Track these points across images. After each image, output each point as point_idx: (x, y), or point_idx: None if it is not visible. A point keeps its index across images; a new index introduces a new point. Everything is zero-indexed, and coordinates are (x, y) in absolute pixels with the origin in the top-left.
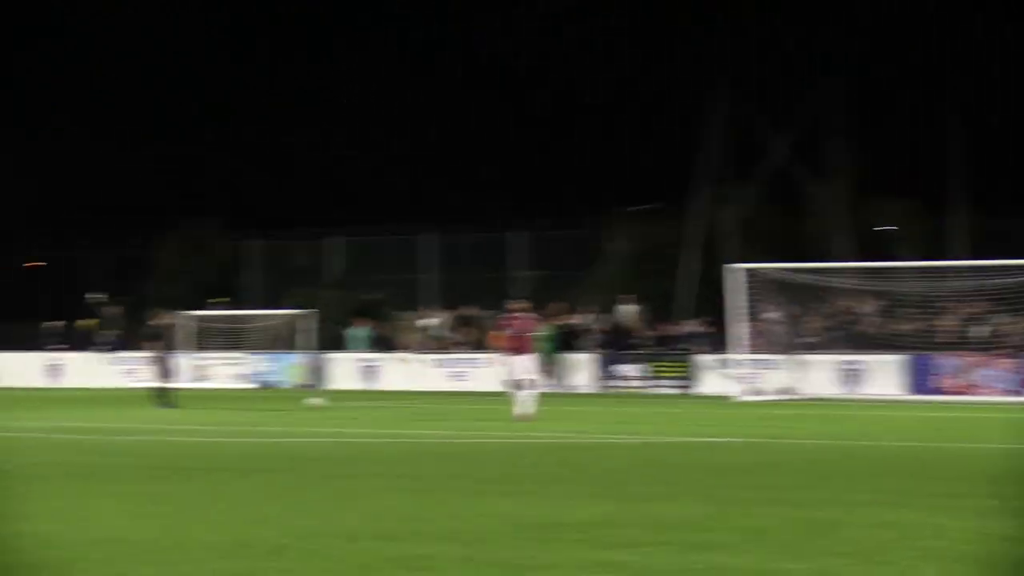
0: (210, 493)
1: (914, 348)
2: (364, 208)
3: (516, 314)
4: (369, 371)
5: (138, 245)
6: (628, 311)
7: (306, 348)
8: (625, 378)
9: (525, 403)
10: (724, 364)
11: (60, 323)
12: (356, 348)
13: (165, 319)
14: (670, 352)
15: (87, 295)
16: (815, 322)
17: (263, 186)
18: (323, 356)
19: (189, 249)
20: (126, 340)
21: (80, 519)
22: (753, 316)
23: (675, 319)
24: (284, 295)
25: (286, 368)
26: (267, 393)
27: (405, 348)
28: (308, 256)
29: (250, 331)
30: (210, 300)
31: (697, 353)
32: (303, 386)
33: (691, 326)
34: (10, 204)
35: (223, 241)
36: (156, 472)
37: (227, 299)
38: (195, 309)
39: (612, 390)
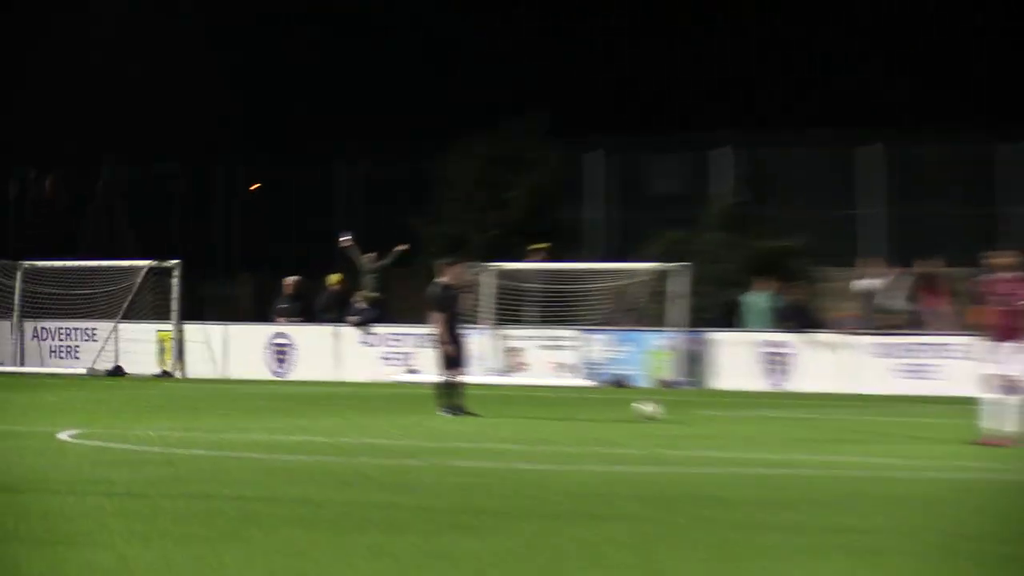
0: (530, 550)
1: None
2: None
3: (1002, 274)
4: (774, 361)
5: (414, 160)
6: None
7: (677, 324)
8: None
9: (1012, 416)
10: None
11: (291, 280)
12: (754, 323)
13: (459, 274)
14: None
15: (340, 237)
16: None
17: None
18: (702, 336)
19: (490, 166)
20: (385, 308)
21: None
22: None
23: None
24: (636, 238)
25: (644, 355)
26: (604, 393)
27: (832, 324)
28: (673, 177)
29: (584, 295)
30: (531, 247)
31: None
32: (668, 383)
33: None
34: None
35: (543, 151)
36: (453, 518)
37: (547, 245)
38: (500, 260)
39: None
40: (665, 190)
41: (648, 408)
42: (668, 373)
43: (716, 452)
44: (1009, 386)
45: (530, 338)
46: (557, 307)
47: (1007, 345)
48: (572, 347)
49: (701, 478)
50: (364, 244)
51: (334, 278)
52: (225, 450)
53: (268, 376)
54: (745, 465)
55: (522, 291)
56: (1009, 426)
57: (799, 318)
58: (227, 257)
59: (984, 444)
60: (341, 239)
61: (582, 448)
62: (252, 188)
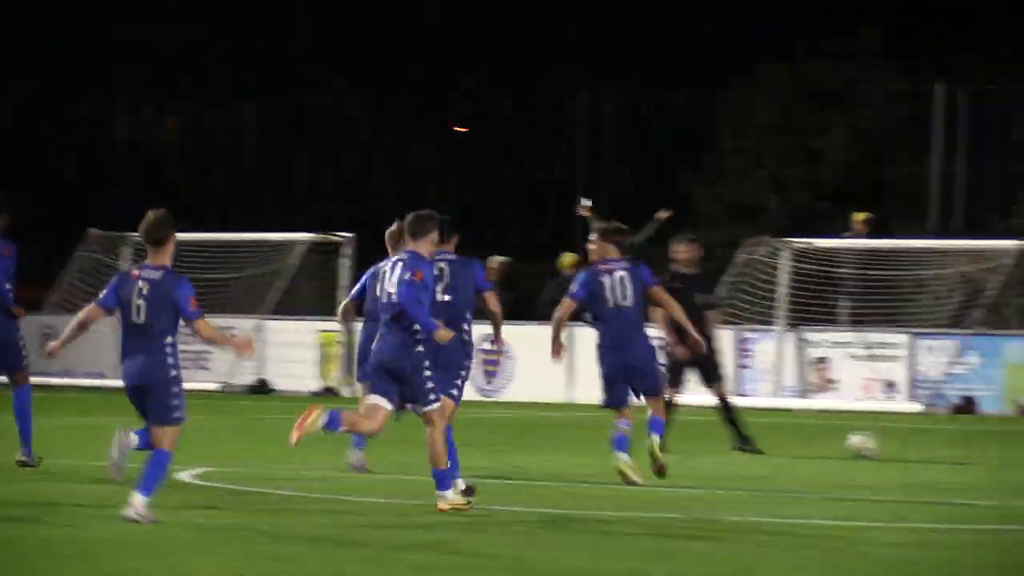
0: None
1: None
2: None
3: None
4: None
5: (687, 95)
6: None
7: None
8: None
9: None
10: None
11: (498, 261)
12: None
13: (687, 255)
14: None
15: (579, 202)
16: None
17: None
18: None
19: (796, 103)
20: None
21: None
22: None
23: None
24: (1000, 203)
25: (999, 370)
26: (941, 421)
27: None
28: None
29: (921, 285)
30: (858, 216)
31: None
32: None
33: None
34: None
35: (872, 83)
36: None
37: (869, 214)
38: (803, 234)
39: None
40: None
41: (857, 441)
42: None
43: None
44: None
45: (840, 344)
46: (881, 302)
47: None
48: (899, 358)
49: None
50: (611, 211)
51: (568, 259)
52: (408, 497)
53: (471, 395)
54: None
55: (833, 279)
56: None
57: None
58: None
59: None
60: (579, 205)
61: (913, 497)
62: (457, 129)
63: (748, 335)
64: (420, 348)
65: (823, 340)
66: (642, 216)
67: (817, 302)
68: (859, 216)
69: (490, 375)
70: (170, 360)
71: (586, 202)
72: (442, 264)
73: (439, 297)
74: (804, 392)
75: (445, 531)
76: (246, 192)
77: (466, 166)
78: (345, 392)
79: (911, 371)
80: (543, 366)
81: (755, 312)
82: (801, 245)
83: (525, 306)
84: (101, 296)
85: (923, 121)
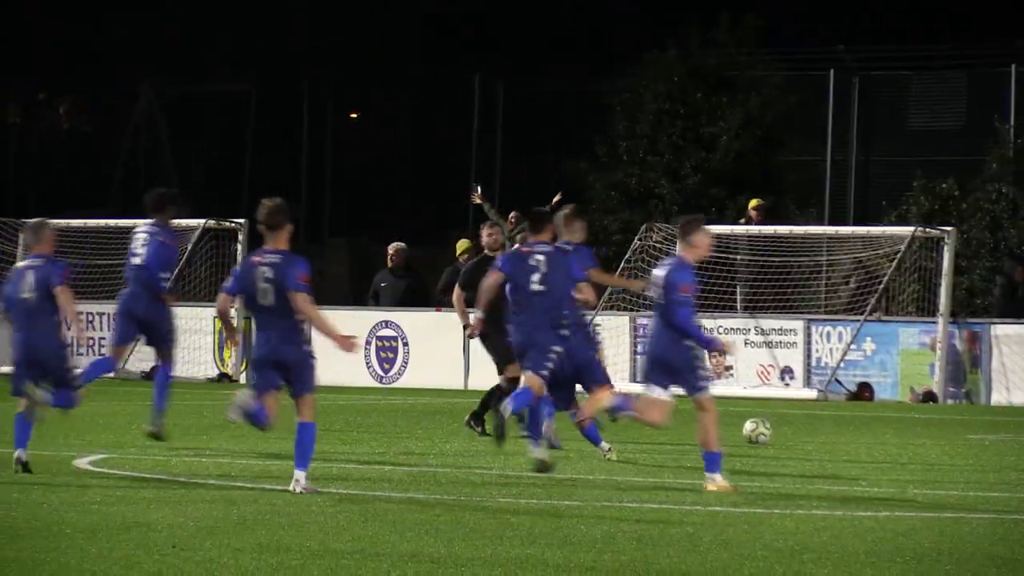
0: None
1: None
2: None
3: None
4: None
5: (577, 81)
6: None
7: (942, 314)
8: None
9: None
10: None
11: (396, 247)
12: None
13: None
14: None
15: (472, 188)
16: None
17: None
18: (978, 331)
19: (689, 86)
20: None
21: None
22: None
23: None
24: (892, 191)
25: (894, 357)
26: (836, 408)
27: None
28: (947, 104)
29: (815, 272)
30: (752, 203)
31: None
32: (927, 396)
33: None
34: None
35: (763, 67)
36: None
37: (763, 201)
38: None
39: None
40: (934, 122)
41: (749, 427)
42: (928, 382)
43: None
44: None
45: (736, 331)
46: (775, 289)
47: None
48: (793, 344)
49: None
50: (503, 199)
51: (462, 244)
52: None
53: (369, 382)
54: None
55: (726, 266)
56: None
57: None
58: (314, 216)
59: None
60: (472, 191)
61: (812, 486)
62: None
63: (643, 321)
64: (688, 341)
65: (719, 327)
66: (535, 202)
67: (713, 289)
68: (753, 203)
69: (385, 362)
70: (302, 336)
71: (477, 188)
72: (540, 255)
73: (536, 288)
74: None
75: (344, 518)
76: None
77: (366, 153)
78: (243, 379)
79: (807, 358)
80: (439, 352)
81: (650, 299)
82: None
83: (421, 292)
84: (227, 284)
85: (817, 108)
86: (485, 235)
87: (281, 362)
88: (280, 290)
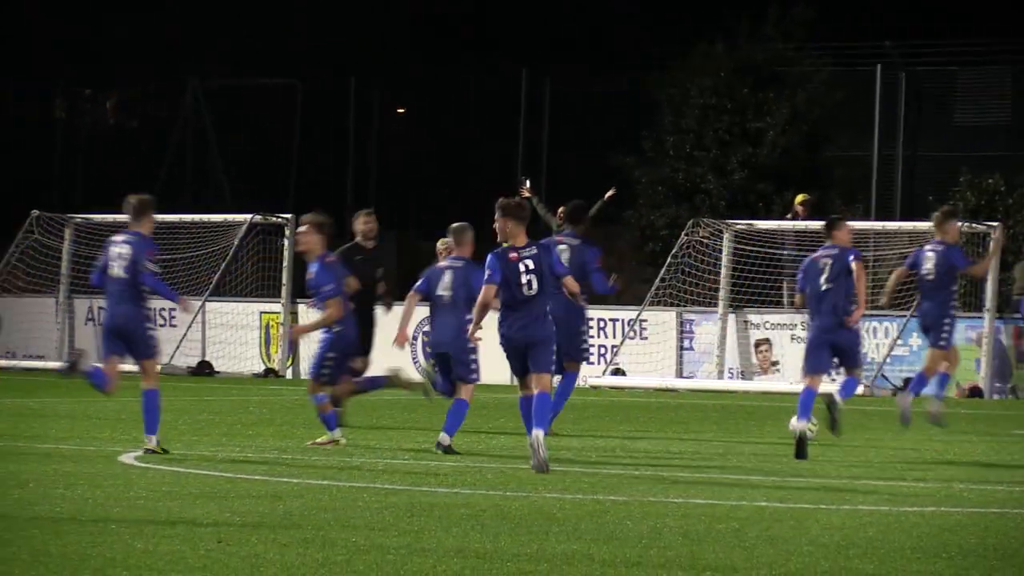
0: None
1: None
2: None
3: None
4: None
5: (626, 75)
6: None
7: (988, 309)
8: None
9: None
10: None
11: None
12: None
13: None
14: None
15: (520, 183)
16: None
17: None
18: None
19: (736, 81)
20: None
21: None
22: None
23: None
24: (942, 186)
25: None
26: (885, 403)
27: None
28: (994, 98)
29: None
30: (798, 198)
31: None
32: (973, 391)
33: None
34: None
35: (813, 62)
36: None
37: (810, 197)
38: (742, 216)
39: None
40: (980, 118)
41: (799, 425)
42: (974, 377)
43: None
44: None
45: (783, 327)
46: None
47: None
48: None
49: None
50: (551, 193)
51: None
52: (352, 480)
53: (416, 377)
54: None
55: (774, 261)
56: None
57: None
58: (359, 208)
59: None
60: (520, 185)
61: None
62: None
63: (690, 316)
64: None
65: (765, 322)
66: (585, 197)
67: (759, 284)
68: (799, 198)
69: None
70: (551, 319)
71: (525, 183)
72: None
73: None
74: (747, 374)
75: (390, 513)
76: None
77: (412, 147)
78: (289, 375)
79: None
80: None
81: (697, 294)
82: (742, 226)
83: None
84: (490, 275)
85: (863, 103)
86: (361, 223)
87: (531, 343)
88: (542, 280)
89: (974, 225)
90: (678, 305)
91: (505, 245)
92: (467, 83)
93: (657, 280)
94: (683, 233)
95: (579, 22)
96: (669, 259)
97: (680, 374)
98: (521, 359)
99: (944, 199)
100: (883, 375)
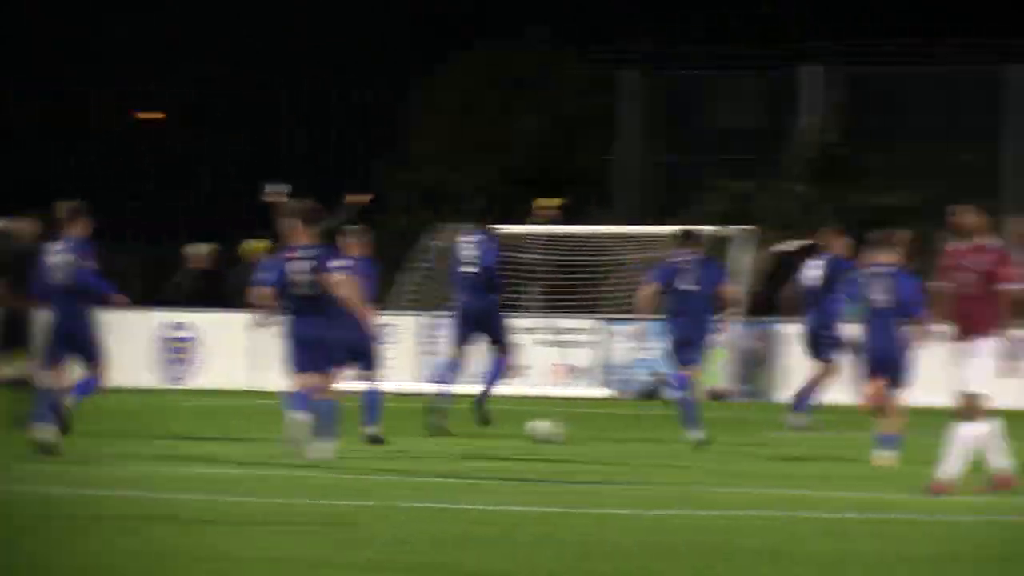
0: None
1: None
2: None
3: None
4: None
5: (376, 85)
6: None
7: (735, 314)
8: None
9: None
10: None
11: (197, 250)
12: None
13: None
14: None
15: (267, 189)
16: None
17: None
18: (767, 330)
19: (487, 89)
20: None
21: None
22: None
23: None
24: (687, 190)
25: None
26: (629, 407)
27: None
28: (742, 104)
29: (610, 271)
30: (542, 202)
31: None
32: (720, 394)
33: None
34: None
35: (562, 68)
36: None
37: (560, 200)
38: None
39: None
40: (731, 123)
41: (542, 428)
42: (721, 380)
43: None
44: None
45: (530, 331)
46: (570, 288)
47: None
48: (588, 344)
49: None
50: (304, 197)
51: (255, 246)
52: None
53: (154, 383)
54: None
55: (521, 265)
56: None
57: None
58: (110, 219)
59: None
60: (267, 192)
61: (601, 485)
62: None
63: (436, 321)
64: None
65: (512, 326)
66: (336, 201)
67: (506, 288)
68: (544, 202)
69: (175, 363)
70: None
71: (275, 189)
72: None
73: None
74: (493, 379)
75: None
76: None
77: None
78: None
79: (600, 357)
80: (229, 353)
81: (443, 299)
82: (491, 230)
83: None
84: (656, 274)
85: (610, 107)
86: None
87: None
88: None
89: (724, 229)
90: (425, 310)
91: None
92: None
93: (404, 285)
94: (427, 238)
95: None
96: (409, 264)
97: (424, 379)
98: None
99: (698, 204)
100: (630, 378)
